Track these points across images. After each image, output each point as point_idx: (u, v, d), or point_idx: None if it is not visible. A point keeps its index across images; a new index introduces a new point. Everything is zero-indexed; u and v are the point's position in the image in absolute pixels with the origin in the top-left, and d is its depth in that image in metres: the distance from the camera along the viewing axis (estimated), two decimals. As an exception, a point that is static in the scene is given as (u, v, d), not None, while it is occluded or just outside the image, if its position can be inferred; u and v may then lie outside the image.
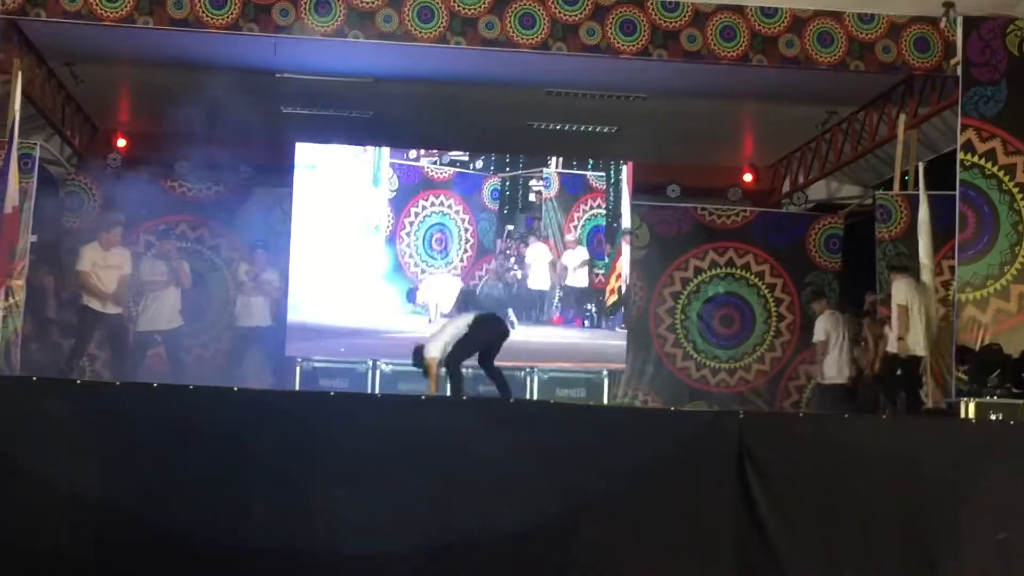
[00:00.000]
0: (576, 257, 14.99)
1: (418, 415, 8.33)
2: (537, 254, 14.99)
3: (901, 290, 11.79)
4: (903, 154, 13.51)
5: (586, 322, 15.07)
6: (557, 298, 15.02)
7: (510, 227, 15.04)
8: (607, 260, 15.01)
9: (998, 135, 11.67)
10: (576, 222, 14.99)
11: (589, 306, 15.06)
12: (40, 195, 12.25)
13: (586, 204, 15.04)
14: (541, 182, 15.06)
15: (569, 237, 15.00)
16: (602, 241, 15.00)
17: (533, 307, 15.07)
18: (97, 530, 7.77)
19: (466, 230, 14.79)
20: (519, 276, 15.03)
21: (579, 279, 14.99)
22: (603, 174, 15.07)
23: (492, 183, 14.95)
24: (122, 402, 8.06)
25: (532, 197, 15.12)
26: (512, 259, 15.08)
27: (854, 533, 8.21)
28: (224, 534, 7.81)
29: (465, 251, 14.83)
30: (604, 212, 15.00)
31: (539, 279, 14.99)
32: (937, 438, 8.67)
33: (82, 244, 12.35)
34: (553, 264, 14.98)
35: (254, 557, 7.82)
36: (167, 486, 7.82)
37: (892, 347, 11.90)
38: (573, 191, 15.09)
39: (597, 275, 14.94)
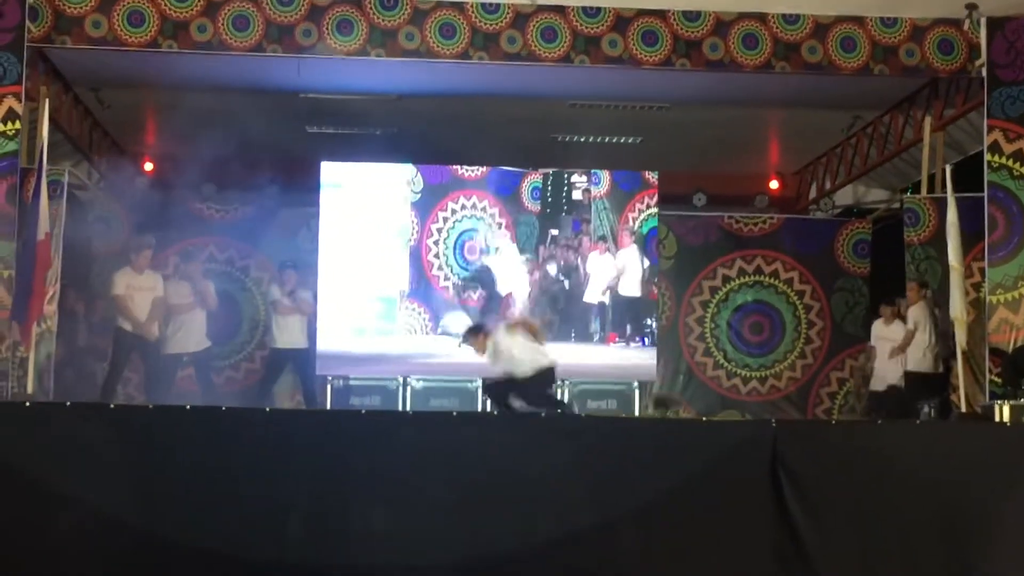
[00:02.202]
0: (631, 258, 13.94)
1: (451, 431, 8.35)
2: (599, 264, 13.90)
3: (912, 315, 12.53)
4: (929, 157, 13.46)
5: (646, 340, 14.09)
6: (611, 312, 13.96)
7: (554, 231, 13.99)
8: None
9: (1025, 135, 11.64)
10: (631, 223, 14.01)
11: (649, 321, 14.10)
12: (69, 220, 12.33)
13: (642, 203, 14.05)
14: (589, 178, 14.09)
15: (613, 237, 13.84)
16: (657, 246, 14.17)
17: (585, 323, 13.99)
18: (133, 553, 7.82)
19: (503, 236, 13.95)
20: (567, 287, 13.97)
21: (633, 287, 13.92)
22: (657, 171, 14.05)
23: (532, 180, 13.98)
24: (155, 425, 8.11)
25: (578, 195, 13.97)
26: (558, 268, 13.99)
27: (890, 539, 8.19)
28: (261, 553, 7.85)
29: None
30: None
31: (594, 291, 13.93)
32: (971, 442, 8.63)
33: (114, 270, 12.41)
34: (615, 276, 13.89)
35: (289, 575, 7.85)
36: (201, 508, 7.87)
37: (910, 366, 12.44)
38: (627, 187, 14.03)
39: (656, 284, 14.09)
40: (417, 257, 13.85)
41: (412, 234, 13.82)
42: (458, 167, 14.04)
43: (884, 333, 13.13)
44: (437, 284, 13.85)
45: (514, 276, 13.83)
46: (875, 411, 12.98)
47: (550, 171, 14.12)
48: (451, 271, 13.88)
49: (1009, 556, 8.15)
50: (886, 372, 12.97)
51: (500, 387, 11.11)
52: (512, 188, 14.01)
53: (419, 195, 13.90)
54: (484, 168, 14.04)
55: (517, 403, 10.94)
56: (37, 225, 10.84)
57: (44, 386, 11.39)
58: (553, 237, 14.05)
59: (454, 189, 13.95)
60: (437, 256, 13.85)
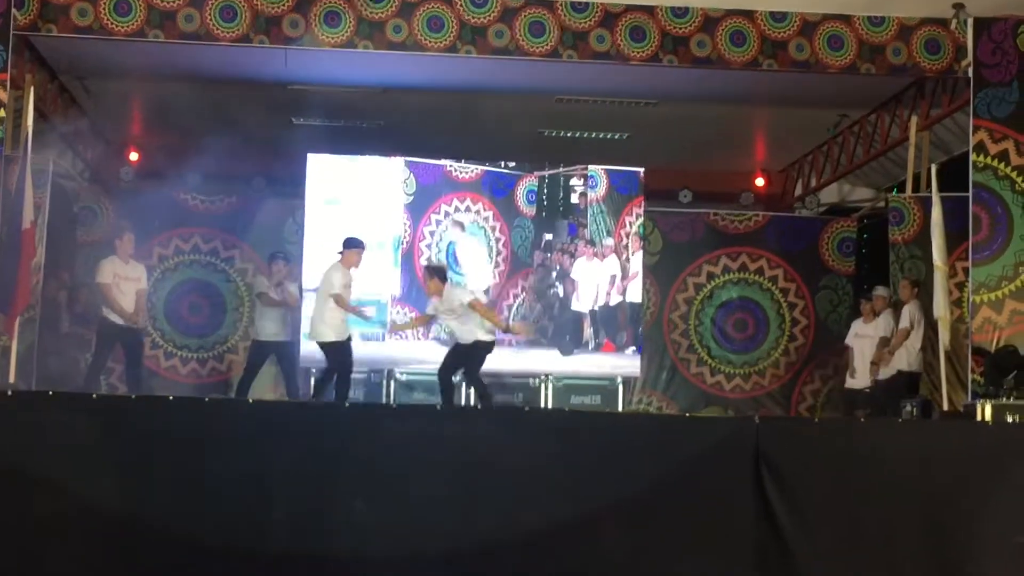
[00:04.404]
0: (607, 269, 13.86)
1: (434, 424, 8.35)
2: (584, 269, 13.85)
3: (908, 313, 12.40)
4: (915, 156, 13.49)
5: (642, 347, 14.15)
6: (609, 318, 13.87)
7: (549, 236, 13.90)
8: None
9: (1011, 136, 11.64)
10: (628, 228, 13.99)
11: (643, 329, 14.14)
12: (53, 210, 12.29)
13: (639, 207, 14.09)
14: (585, 181, 13.94)
15: (607, 242, 13.79)
16: None
17: (578, 331, 13.90)
18: (115, 542, 7.83)
19: (498, 240, 13.80)
20: (561, 294, 13.86)
21: (637, 292, 13.96)
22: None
23: (528, 183, 13.83)
24: (139, 415, 8.11)
25: (575, 199, 13.80)
26: (553, 274, 13.87)
27: (872, 536, 8.23)
28: (243, 544, 7.86)
29: (497, 265, 13.73)
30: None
31: (585, 299, 13.87)
32: (953, 441, 8.67)
33: (100, 258, 12.37)
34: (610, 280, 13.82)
35: (273, 567, 7.84)
36: (184, 498, 7.87)
37: (903, 365, 12.36)
38: (624, 191, 13.94)
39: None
40: (409, 260, 13.66)
41: (404, 236, 13.61)
42: (452, 169, 13.88)
43: (863, 331, 13.15)
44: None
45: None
46: (853, 409, 13.03)
47: (546, 174, 13.98)
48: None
49: (991, 554, 8.19)
50: (865, 370, 13.00)
51: (448, 362, 11.61)
52: (507, 191, 13.86)
53: (412, 196, 13.72)
54: (478, 170, 13.91)
55: (456, 377, 11.66)
56: (22, 214, 10.81)
57: (26, 375, 11.36)
58: (548, 242, 13.96)
59: (447, 191, 13.79)
60: (429, 260, 13.57)
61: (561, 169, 14.05)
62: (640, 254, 14.15)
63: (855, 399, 13.04)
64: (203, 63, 13.05)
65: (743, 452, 8.28)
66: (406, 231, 13.65)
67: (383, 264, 13.56)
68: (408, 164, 13.75)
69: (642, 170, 14.34)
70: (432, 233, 13.72)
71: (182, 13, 11.72)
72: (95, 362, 12.23)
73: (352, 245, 11.81)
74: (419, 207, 13.73)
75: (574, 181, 13.99)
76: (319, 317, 11.67)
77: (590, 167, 14.14)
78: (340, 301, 11.55)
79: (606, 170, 14.14)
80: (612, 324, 14.03)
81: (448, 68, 12.89)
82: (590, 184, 14.00)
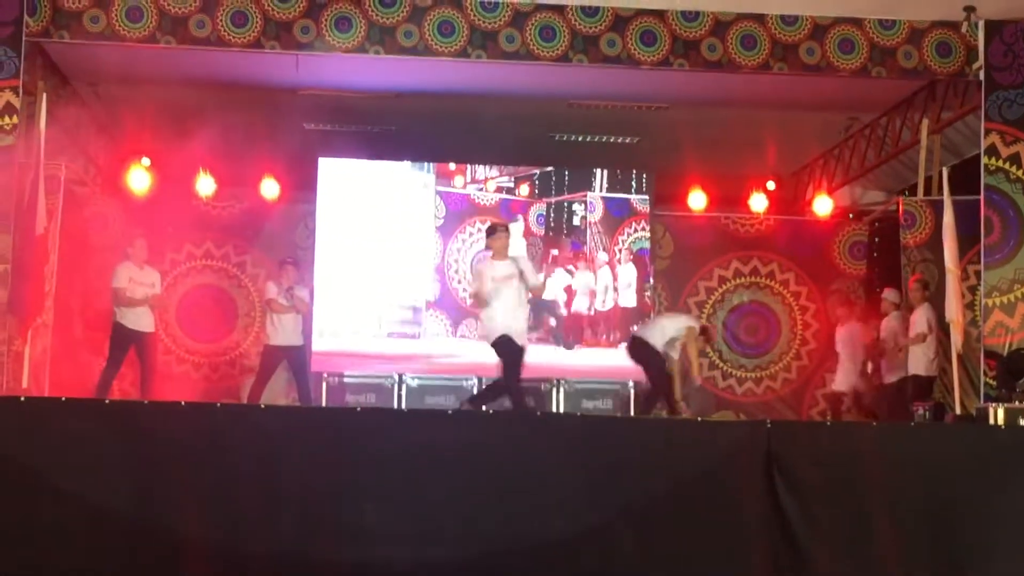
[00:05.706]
0: (602, 278, 15.14)
1: (445, 429, 8.36)
2: (583, 278, 15.24)
3: (925, 316, 12.40)
4: (926, 159, 13.47)
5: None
6: (606, 319, 15.15)
7: (555, 252, 15.23)
8: (651, 281, 15.07)
9: (1022, 139, 11.63)
10: (620, 244, 15.12)
11: (635, 327, 14.80)
12: (66, 215, 12.30)
13: (630, 227, 15.17)
14: (585, 207, 15.24)
15: (603, 256, 15.10)
16: (647, 263, 15.03)
17: (579, 330, 15.22)
18: (127, 547, 7.85)
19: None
20: (565, 299, 15.13)
21: (628, 298, 15.06)
22: (646, 197, 15.14)
23: (537, 208, 15.23)
24: (151, 421, 8.12)
25: (576, 221, 15.34)
26: (559, 282, 15.15)
27: (883, 540, 8.21)
28: (253, 548, 7.86)
29: None
30: (649, 235, 15.04)
31: (584, 302, 15.21)
32: (965, 445, 8.65)
33: (112, 264, 12.39)
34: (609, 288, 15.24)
35: (283, 571, 7.85)
36: (196, 503, 7.87)
37: (919, 370, 12.36)
38: (617, 214, 15.22)
39: (647, 295, 14.98)
40: (441, 272, 14.90)
41: (436, 253, 14.85)
42: (475, 197, 15.07)
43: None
44: (457, 295, 14.84)
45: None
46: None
47: (552, 200, 15.24)
48: (467, 284, 14.64)
49: (1003, 558, 8.17)
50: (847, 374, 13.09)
51: None
52: (520, 215, 15.19)
53: (442, 220, 14.97)
54: (496, 198, 15.08)
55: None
56: (35, 220, 10.84)
57: (39, 381, 11.38)
58: (554, 256, 15.22)
59: (471, 215, 15.08)
60: (456, 272, 14.83)
61: (565, 196, 15.36)
62: (631, 265, 15.08)
63: (862, 401, 13.06)
64: (214, 68, 13.08)
65: (755, 456, 8.27)
66: (438, 249, 14.88)
67: (417, 272, 14.80)
68: (438, 193, 15.04)
69: (633, 197, 15.21)
70: (459, 250, 15.00)
71: (194, 19, 11.74)
72: (108, 367, 12.24)
73: (488, 233, 10.87)
74: (448, 229, 15.04)
75: (576, 207, 15.41)
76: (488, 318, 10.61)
77: (588, 194, 15.34)
78: (478, 299, 10.59)
79: (603, 197, 15.37)
80: (608, 323, 15.23)
81: (459, 73, 12.90)
82: (589, 209, 15.34)
